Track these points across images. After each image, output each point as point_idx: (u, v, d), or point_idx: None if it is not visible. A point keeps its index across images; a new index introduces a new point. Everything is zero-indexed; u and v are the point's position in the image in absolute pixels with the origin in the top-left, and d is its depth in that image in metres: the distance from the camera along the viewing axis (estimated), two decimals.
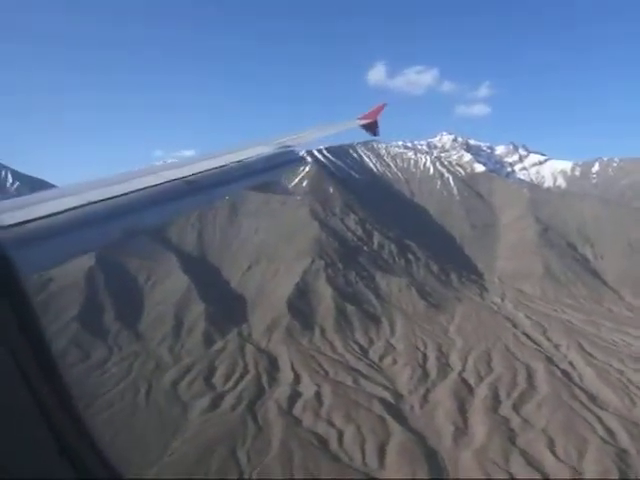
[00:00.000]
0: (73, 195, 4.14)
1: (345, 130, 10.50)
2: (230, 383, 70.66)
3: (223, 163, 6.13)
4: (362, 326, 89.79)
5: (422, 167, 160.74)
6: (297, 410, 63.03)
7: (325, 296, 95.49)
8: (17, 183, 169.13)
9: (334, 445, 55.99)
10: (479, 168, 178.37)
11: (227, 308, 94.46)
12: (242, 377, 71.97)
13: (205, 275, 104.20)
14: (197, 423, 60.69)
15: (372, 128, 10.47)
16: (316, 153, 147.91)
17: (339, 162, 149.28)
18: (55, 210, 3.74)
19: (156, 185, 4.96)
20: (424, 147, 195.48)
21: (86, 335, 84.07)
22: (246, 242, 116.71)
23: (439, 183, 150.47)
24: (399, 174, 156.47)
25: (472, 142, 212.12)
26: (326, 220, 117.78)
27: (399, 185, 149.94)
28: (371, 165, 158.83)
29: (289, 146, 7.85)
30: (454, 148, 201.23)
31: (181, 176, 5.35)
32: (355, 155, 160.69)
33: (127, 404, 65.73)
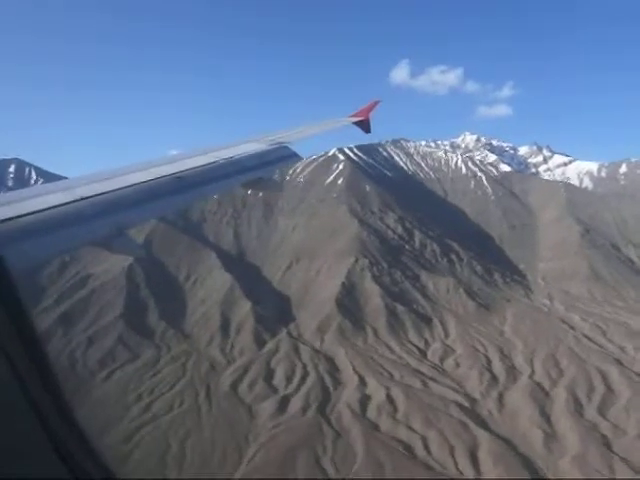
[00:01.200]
0: (62, 191, 4.06)
1: (339, 127, 10.33)
2: (292, 385, 67.55)
3: (214, 159, 6.06)
4: (414, 327, 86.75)
5: (453, 166, 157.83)
6: (371, 414, 59.98)
7: (373, 295, 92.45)
8: (41, 180, 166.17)
9: (420, 452, 52.92)
10: (505, 168, 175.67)
11: (273, 307, 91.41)
12: (304, 379, 68.83)
13: (246, 273, 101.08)
14: (268, 428, 57.54)
15: (364, 125, 10.43)
16: (347, 151, 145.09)
17: (370, 160, 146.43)
18: (44, 206, 3.67)
19: (146, 181, 4.89)
20: (447, 147, 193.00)
21: (132, 334, 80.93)
22: (284, 240, 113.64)
23: (472, 183, 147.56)
24: (430, 173, 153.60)
25: (495, 143, 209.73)
26: (365, 218, 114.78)
27: (431, 184, 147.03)
28: (401, 164, 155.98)
29: (282, 142, 7.72)
30: (477, 148, 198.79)
31: (171, 172, 5.30)
32: (385, 154, 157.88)
33: (189, 407, 62.60)
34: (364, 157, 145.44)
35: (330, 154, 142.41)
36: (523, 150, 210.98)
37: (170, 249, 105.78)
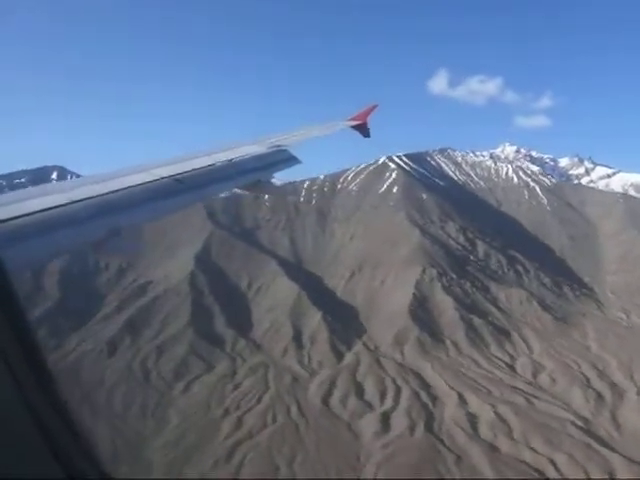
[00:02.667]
0: (60, 193, 4.05)
1: (338, 131, 10.25)
2: (387, 401, 63.40)
3: (213, 162, 6.04)
4: (495, 340, 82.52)
5: (504, 176, 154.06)
6: (485, 434, 55.65)
7: (446, 307, 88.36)
8: None
9: (552, 474, 48.54)
10: (549, 180, 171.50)
11: (342, 317, 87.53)
12: (397, 395, 64.65)
13: (310, 282, 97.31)
14: (378, 447, 53.38)
15: (362, 129, 10.49)
16: (396, 159, 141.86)
17: (421, 169, 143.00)
18: (41, 207, 3.65)
19: (145, 183, 4.84)
20: (487, 158, 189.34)
21: (204, 343, 77.34)
22: (343, 249, 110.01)
23: (526, 193, 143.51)
24: (481, 183, 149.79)
25: (534, 154, 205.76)
26: (426, 227, 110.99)
27: (483, 193, 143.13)
28: (450, 173, 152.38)
29: (281, 145, 7.66)
30: (517, 159, 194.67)
31: (170, 174, 5.26)
32: (433, 163, 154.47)
33: (284, 423, 58.57)
34: (414, 166, 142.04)
35: (380, 162, 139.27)
36: (564, 162, 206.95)
37: (228, 255, 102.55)
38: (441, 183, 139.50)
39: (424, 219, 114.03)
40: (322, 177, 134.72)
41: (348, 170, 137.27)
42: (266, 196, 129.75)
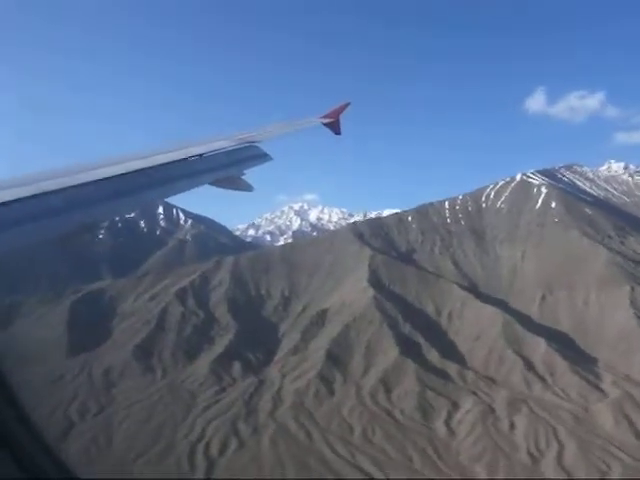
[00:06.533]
0: (27, 185, 3.95)
1: (308, 127, 10.03)
2: None
3: (183, 156, 6.01)
4: None
5: None
6: None
7: None
8: (189, 221, 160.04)
9: None
10: None
11: (561, 342, 76.87)
12: None
13: (498, 305, 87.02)
14: None
15: (334, 127, 10.53)
16: (532, 176, 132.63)
17: (560, 185, 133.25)
18: (5, 199, 3.59)
19: (113, 177, 4.74)
20: (590, 175, 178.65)
21: (429, 375, 67.43)
22: (518, 270, 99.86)
23: None
24: (624, 197, 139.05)
25: None
26: (606, 243, 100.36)
27: (628, 208, 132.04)
28: (587, 188, 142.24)
29: (252, 141, 7.64)
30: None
31: (139, 168, 5.16)
32: (565, 179, 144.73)
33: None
34: (552, 181, 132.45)
35: (518, 179, 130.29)
36: None
37: (401, 280, 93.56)
38: (587, 198, 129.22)
39: (600, 235, 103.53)
40: (461, 197, 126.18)
41: (486, 188, 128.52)
42: (409, 218, 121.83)
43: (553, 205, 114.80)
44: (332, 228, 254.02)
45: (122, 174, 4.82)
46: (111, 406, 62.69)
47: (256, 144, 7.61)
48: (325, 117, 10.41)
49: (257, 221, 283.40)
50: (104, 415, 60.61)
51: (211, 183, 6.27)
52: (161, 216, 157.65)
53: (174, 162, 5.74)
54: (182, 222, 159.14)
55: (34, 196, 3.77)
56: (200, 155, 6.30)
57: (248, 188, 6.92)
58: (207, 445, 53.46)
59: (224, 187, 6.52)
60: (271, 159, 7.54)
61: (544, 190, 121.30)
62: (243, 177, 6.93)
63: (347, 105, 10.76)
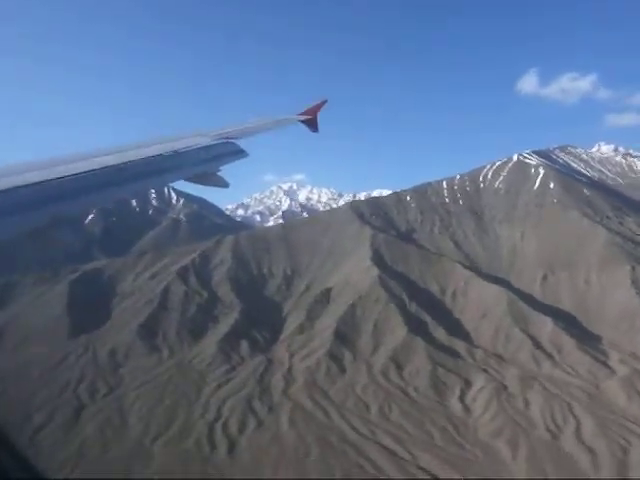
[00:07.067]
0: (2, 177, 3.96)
1: (287, 125, 10.06)
2: None
3: (158, 152, 5.96)
4: None
5: None
6: None
7: None
8: (182, 200, 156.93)
9: None
10: None
11: (567, 321, 77.59)
12: None
13: (504, 285, 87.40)
14: None
15: (312, 124, 10.51)
16: (528, 156, 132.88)
17: (556, 166, 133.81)
18: None
19: (87, 172, 4.66)
20: (584, 157, 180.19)
21: (443, 355, 67.48)
22: (518, 250, 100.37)
23: None
24: (618, 179, 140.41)
25: (633, 153, 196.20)
26: (606, 223, 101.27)
27: (623, 189, 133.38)
28: (581, 169, 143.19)
29: (229, 138, 7.62)
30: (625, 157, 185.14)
31: (114, 163, 5.10)
32: (560, 160, 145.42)
33: None
34: (548, 162, 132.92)
35: (515, 159, 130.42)
36: None
37: (404, 259, 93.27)
38: (583, 179, 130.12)
39: (599, 215, 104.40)
40: (458, 177, 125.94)
41: (483, 168, 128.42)
42: (408, 197, 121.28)
43: (552, 186, 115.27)
44: (321, 208, 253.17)
45: (91, 170, 4.65)
46: (120, 387, 61.47)
47: (232, 140, 7.59)
48: (303, 114, 10.50)
49: (246, 201, 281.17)
50: (114, 396, 59.35)
51: (186, 179, 6.25)
52: (153, 195, 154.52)
53: (148, 158, 5.65)
54: (174, 202, 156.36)
55: (3, 190, 3.67)
56: (175, 151, 6.26)
57: (224, 184, 6.75)
58: (225, 424, 52.72)
59: (199, 183, 6.48)
60: (247, 155, 7.49)
61: (542, 171, 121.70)
62: (219, 173, 6.86)
63: (324, 103, 10.87)
